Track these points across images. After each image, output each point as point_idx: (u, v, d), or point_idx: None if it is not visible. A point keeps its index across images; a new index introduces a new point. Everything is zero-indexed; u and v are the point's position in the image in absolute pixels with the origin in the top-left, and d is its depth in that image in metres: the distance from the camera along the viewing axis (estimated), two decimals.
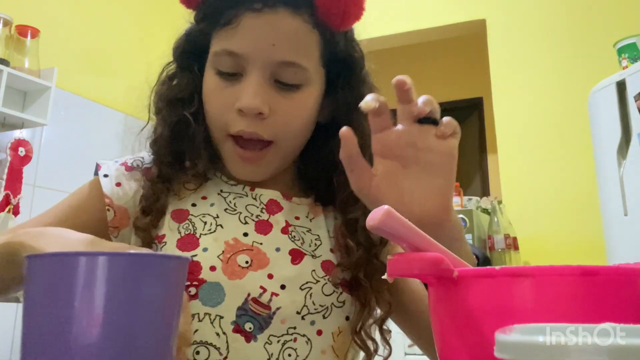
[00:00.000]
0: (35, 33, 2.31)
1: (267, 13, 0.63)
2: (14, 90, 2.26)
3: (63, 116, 2.46)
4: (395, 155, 0.55)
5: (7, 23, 2.24)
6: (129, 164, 0.72)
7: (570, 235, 2.32)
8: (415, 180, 0.55)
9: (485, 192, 3.73)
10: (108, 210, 0.68)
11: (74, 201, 0.71)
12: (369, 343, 0.69)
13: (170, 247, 0.66)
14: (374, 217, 0.36)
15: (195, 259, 0.64)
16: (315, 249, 0.70)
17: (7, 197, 2.16)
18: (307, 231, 0.72)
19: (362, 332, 0.68)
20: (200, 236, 0.66)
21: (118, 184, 0.70)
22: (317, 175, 0.75)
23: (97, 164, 0.72)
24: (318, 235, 0.72)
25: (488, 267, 0.34)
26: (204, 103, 0.68)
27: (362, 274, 0.68)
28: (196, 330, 0.62)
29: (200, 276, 0.63)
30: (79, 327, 0.28)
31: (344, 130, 0.54)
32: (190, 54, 0.71)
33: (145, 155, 0.74)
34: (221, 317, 0.62)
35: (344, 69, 0.71)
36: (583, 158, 2.23)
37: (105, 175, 0.70)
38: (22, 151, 2.22)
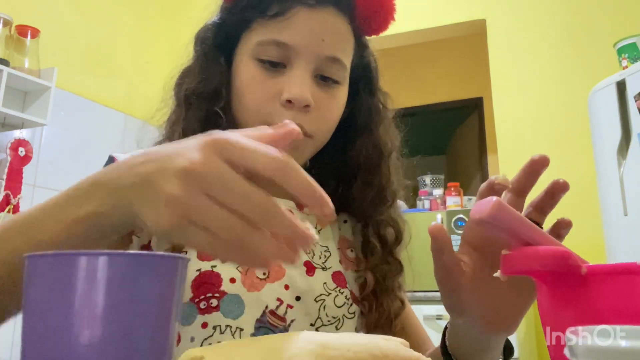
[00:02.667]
0: (35, 33, 2.31)
1: (318, 9, 0.65)
2: (14, 90, 2.26)
3: (63, 116, 2.46)
4: (488, 253, 0.49)
5: (7, 23, 2.24)
6: None
7: (570, 235, 2.31)
8: (499, 291, 0.50)
9: None
10: None
11: None
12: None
13: (192, 256, 0.64)
14: (482, 210, 0.31)
15: (215, 270, 0.63)
16: (325, 261, 0.70)
17: (7, 197, 2.16)
18: (316, 243, 0.72)
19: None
20: None
21: None
22: (326, 179, 0.74)
23: (113, 156, 0.68)
24: (327, 247, 0.72)
25: (627, 262, 0.30)
26: (241, 93, 0.66)
27: (380, 274, 0.70)
28: (218, 342, 0.61)
29: (222, 288, 0.62)
30: (79, 327, 0.28)
31: (435, 227, 0.48)
32: (219, 44, 0.69)
33: None
34: (241, 329, 0.62)
35: (365, 75, 0.74)
36: (583, 158, 2.23)
37: None
38: (22, 151, 2.22)
